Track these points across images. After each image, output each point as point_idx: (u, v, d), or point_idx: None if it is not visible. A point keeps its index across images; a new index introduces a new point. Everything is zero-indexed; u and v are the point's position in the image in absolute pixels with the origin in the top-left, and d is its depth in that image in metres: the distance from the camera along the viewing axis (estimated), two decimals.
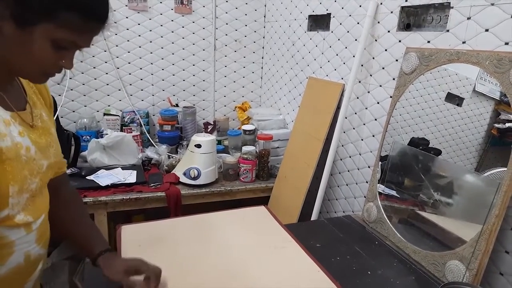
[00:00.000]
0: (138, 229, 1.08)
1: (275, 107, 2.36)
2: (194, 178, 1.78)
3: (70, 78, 2.14)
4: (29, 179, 0.66)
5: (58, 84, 2.13)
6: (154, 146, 2.15)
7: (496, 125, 0.99)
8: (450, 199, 1.08)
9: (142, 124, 2.23)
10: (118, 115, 2.20)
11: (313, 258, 0.97)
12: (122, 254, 0.93)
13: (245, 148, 1.94)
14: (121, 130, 2.14)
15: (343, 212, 1.67)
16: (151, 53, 2.29)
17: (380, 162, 1.30)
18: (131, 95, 2.32)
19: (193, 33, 2.34)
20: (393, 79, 1.34)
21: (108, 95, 2.28)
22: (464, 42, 1.06)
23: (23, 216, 0.66)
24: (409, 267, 1.05)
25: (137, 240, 1.02)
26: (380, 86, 1.41)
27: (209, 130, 2.33)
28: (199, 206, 1.78)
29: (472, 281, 0.91)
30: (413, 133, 1.23)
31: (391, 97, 1.33)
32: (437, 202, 1.11)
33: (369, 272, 1.01)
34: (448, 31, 1.11)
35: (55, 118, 1.70)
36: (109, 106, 2.29)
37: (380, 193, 1.27)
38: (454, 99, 1.11)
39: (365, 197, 1.40)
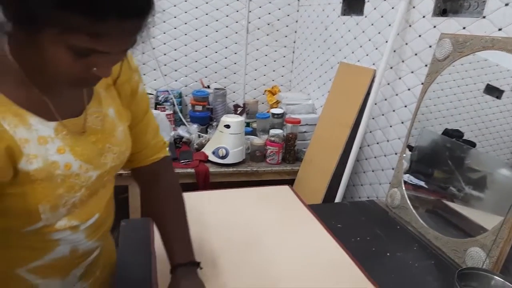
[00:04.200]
0: None
1: (305, 92, 2.37)
2: (222, 157, 1.84)
3: None
4: (66, 196, 0.60)
5: None
6: (186, 125, 2.22)
7: None
8: (482, 194, 1.06)
9: (175, 104, 2.31)
10: (152, 94, 2.29)
11: (333, 236, 1.00)
12: None
13: (273, 131, 1.97)
14: (155, 109, 2.23)
15: (368, 198, 1.68)
16: (186, 34, 2.35)
17: (409, 153, 1.29)
18: (165, 75, 2.40)
19: (227, 16, 2.37)
20: (426, 65, 1.32)
21: (144, 74, 2.37)
22: (500, 29, 1.04)
23: (65, 221, 0.63)
24: (429, 252, 1.06)
25: None
26: (412, 72, 1.40)
27: (238, 112, 2.38)
28: (226, 184, 1.84)
29: (492, 268, 0.91)
30: (447, 124, 1.21)
31: (422, 83, 1.31)
32: (468, 195, 1.09)
33: (388, 254, 1.03)
34: (484, 17, 1.08)
35: None
36: (144, 85, 2.37)
37: (406, 182, 1.27)
38: (493, 91, 1.08)
39: (390, 183, 1.40)
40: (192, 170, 1.79)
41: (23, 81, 0.55)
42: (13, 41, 0.52)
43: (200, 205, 1.13)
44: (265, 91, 2.56)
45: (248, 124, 2.28)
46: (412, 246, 1.09)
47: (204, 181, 1.81)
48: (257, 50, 2.50)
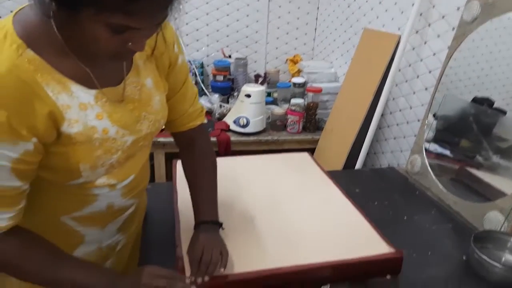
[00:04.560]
0: None
1: (327, 60, 2.33)
2: (243, 126, 1.87)
3: None
4: (103, 158, 0.65)
5: None
6: (207, 95, 2.25)
7: None
8: (509, 163, 1.03)
9: (197, 74, 2.33)
10: None
11: (350, 200, 1.01)
12: (177, 184, 1.05)
13: (294, 100, 1.97)
14: None
15: (388, 165, 1.67)
16: (207, 3, 2.33)
17: (435, 121, 1.27)
18: (187, 45, 2.41)
19: None
20: (453, 29, 1.27)
21: None
22: None
23: (105, 179, 0.69)
24: (447, 216, 1.07)
25: None
26: (438, 36, 1.35)
27: (259, 82, 2.38)
28: (246, 153, 1.87)
29: (510, 231, 0.91)
30: (477, 92, 1.17)
31: (448, 48, 1.27)
32: (495, 164, 1.07)
33: (405, 218, 1.05)
34: None
35: None
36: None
37: (429, 151, 1.25)
38: None
39: (411, 150, 1.40)
40: (214, 139, 1.83)
41: (67, 53, 0.59)
42: (57, 19, 0.56)
43: (221, 169, 1.16)
44: (287, 60, 2.53)
45: (269, 94, 2.28)
46: (430, 210, 1.10)
47: (226, 150, 1.85)
48: (279, 18, 2.45)
